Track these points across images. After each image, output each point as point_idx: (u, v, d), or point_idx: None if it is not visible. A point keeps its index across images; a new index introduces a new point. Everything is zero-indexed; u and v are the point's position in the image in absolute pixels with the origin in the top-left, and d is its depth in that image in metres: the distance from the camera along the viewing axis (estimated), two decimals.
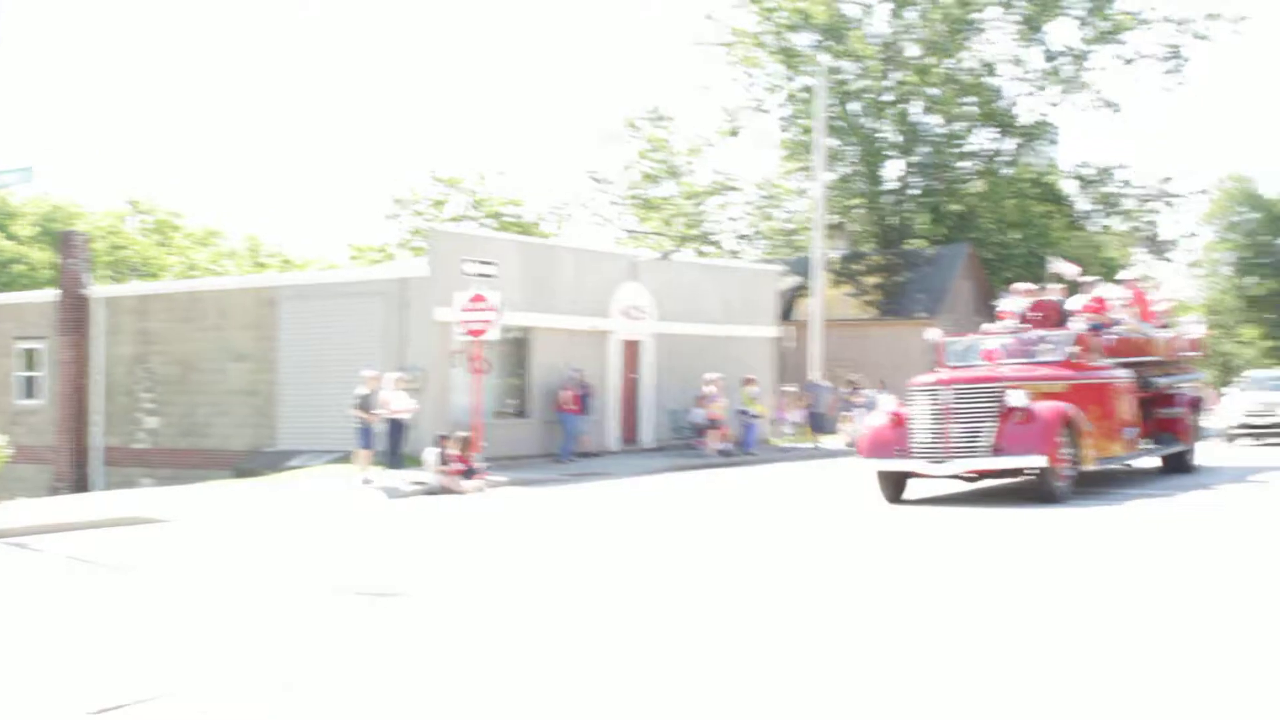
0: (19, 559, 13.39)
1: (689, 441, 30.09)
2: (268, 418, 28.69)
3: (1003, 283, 34.61)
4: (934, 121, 53.18)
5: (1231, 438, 30.94)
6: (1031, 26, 51.04)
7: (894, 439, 17.02)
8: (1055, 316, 19.38)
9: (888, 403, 18.16)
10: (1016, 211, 53.86)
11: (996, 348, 18.18)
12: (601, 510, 17.74)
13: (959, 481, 17.76)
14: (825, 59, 49.10)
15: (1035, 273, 31.90)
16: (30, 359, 33.36)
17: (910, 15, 51.12)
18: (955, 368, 18.05)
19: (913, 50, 51.71)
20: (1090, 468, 17.14)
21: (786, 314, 41.73)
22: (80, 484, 30.76)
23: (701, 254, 52.32)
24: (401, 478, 21.75)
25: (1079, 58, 51.55)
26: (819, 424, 32.96)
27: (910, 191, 53.73)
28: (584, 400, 27.82)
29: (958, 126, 53.11)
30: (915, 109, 52.48)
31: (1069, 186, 56.48)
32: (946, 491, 17.89)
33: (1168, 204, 54.88)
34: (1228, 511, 15.27)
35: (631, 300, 30.83)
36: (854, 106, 51.28)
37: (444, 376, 25.90)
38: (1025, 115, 53.34)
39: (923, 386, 17.10)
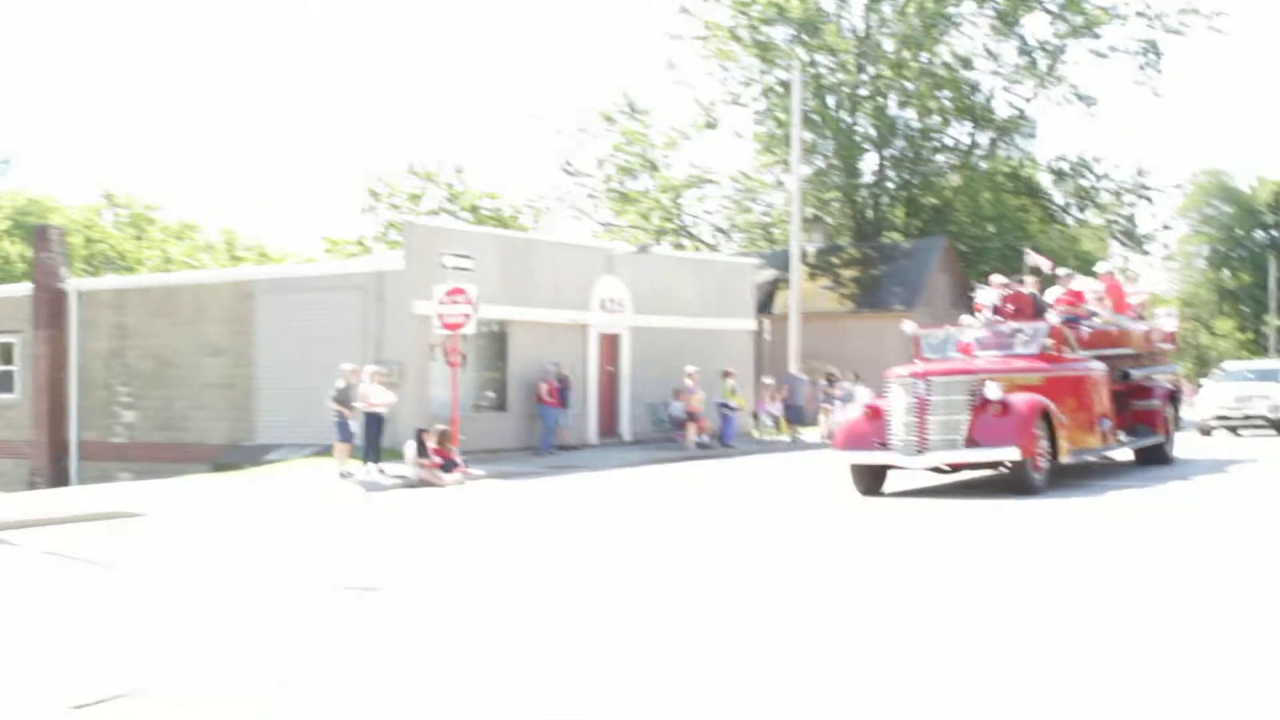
0: None
1: (668, 434, 30.14)
2: (245, 411, 28.62)
3: (979, 276, 34.75)
4: (909, 115, 53.36)
5: (1208, 429, 31.16)
6: (1006, 21, 51.23)
7: (870, 432, 16.99)
8: (1030, 309, 19.45)
9: (863, 395, 18.16)
10: (992, 205, 54.06)
11: (972, 340, 18.22)
12: (580, 503, 17.77)
13: (936, 474, 17.83)
14: (801, 53, 49.22)
15: (1012, 266, 32.04)
16: (6, 353, 33.17)
17: (885, 9, 51.25)
18: (931, 360, 18.00)
19: (888, 44, 51.85)
20: (1066, 460, 17.21)
21: (764, 307, 41.80)
22: (58, 478, 30.64)
23: (679, 247, 52.36)
24: (380, 471, 21.74)
25: (1054, 52, 51.77)
26: (797, 417, 33.03)
27: (886, 185, 53.89)
28: (562, 393, 27.84)
29: (933, 120, 53.29)
30: (891, 103, 52.63)
31: (1045, 180, 56.74)
32: (923, 484, 17.91)
33: (1144, 198, 55.17)
34: (1203, 502, 15.37)
35: (609, 294, 30.85)
36: (830, 100, 51.38)
37: (422, 370, 25.88)
38: (1001, 109, 53.57)
39: (898, 379, 17.07)
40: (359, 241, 58.35)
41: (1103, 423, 18.63)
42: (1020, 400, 16.46)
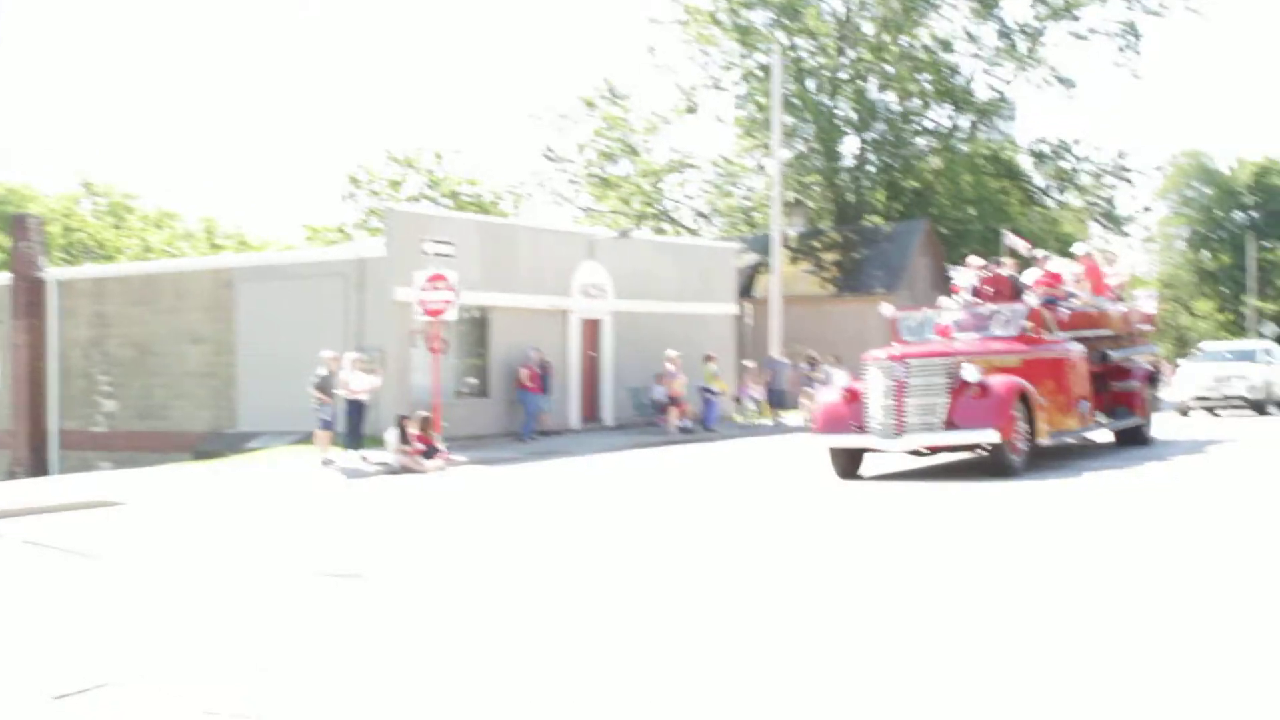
0: None
1: (650, 419, 30.18)
2: (226, 399, 28.58)
3: (960, 259, 34.87)
4: (890, 99, 53.40)
5: (1186, 410, 31.27)
6: (985, 4, 51.27)
7: (848, 415, 16.95)
8: (1009, 291, 19.47)
9: (842, 379, 18.13)
10: (973, 188, 54.13)
11: (950, 323, 18.16)
12: (563, 489, 17.80)
13: (914, 457, 17.84)
14: (781, 36, 49.20)
15: (993, 248, 32.08)
16: None
17: None
18: (909, 343, 17.97)
19: (868, 28, 51.85)
20: (1045, 442, 17.16)
21: (745, 291, 41.85)
22: (38, 468, 30.57)
23: (660, 232, 52.37)
24: (363, 458, 21.74)
25: (1033, 35, 51.83)
26: (779, 400, 33.09)
27: (867, 168, 53.93)
28: (544, 379, 27.86)
29: (914, 103, 53.33)
30: (871, 86, 52.65)
31: (1025, 163, 56.85)
32: (902, 467, 17.94)
33: (1124, 180, 55.31)
34: (1181, 483, 15.37)
35: (590, 279, 30.86)
36: (810, 84, 51.38)
37: (404, 357, 25.87)
38: (981, 92, 53.63)
39: (876, 362, 17.04)
40: (340, 229, 58.26)
41: (1081, 404, 18.61)
42: (998, 382, 16.40)
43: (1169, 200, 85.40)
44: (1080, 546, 10.42)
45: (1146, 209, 62.86)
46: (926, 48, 52.05)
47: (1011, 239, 21.68)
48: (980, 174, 54.85)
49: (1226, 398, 30.96)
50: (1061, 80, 52.61)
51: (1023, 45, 51.98)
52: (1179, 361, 43.14)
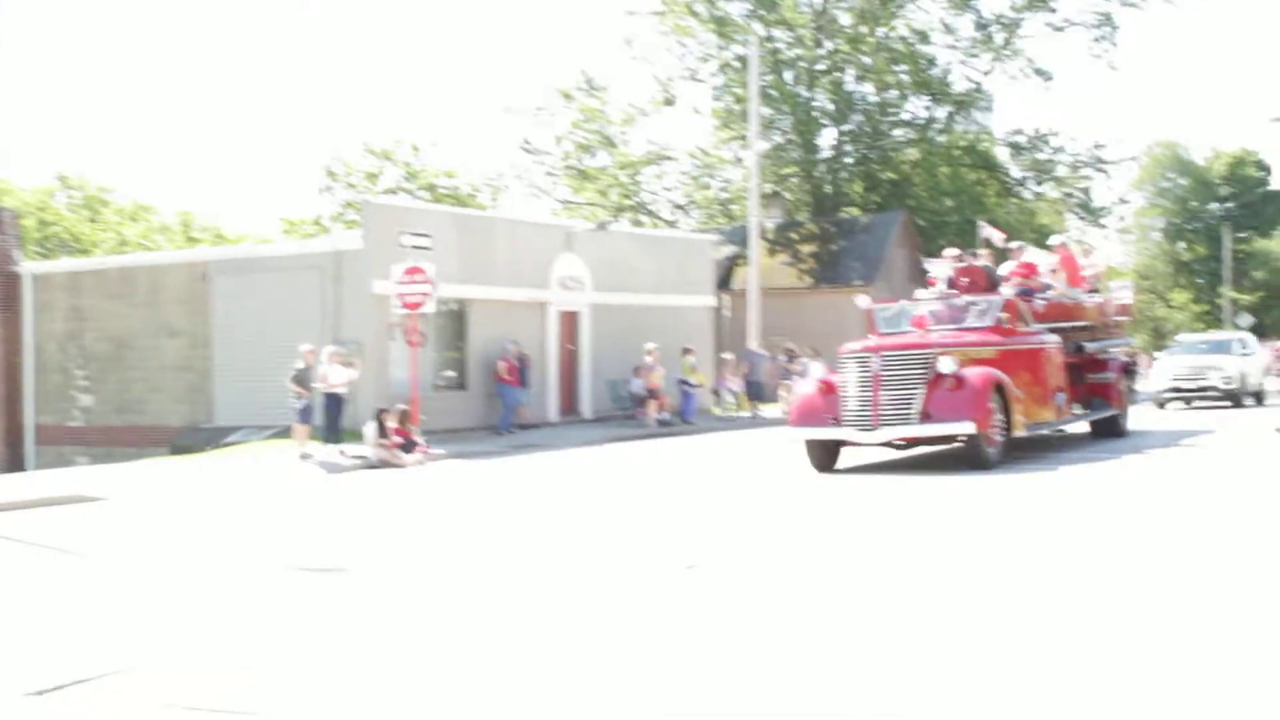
0: None
1: (628, 412, 30.20)
2: (204, 394, 28.50)
3: (938, 250, 35.04)
4: (867, 90, 53.48)
5: (1162, 402, 31.39)
6: None
7: (824, 407, 16.88)
8: (984, 282, 19.48)
9: (818, 371, 18.09)
10: (950, 179, 54.28)
11: (926, 314, 18.07)
12: (541, 482, 17.82)
13: (890, 449, 17.78)
14: (758, 28, 49.21)
15: (970, 240, 32.31)
16: None
17: None
18: (885, 334, 17.95)
19: (845, 19, 51.92)
20: (1021, 434, 17.10)
21: (723, 283, 41.89)
22: (14, 463, 30.42)
23: (637, 224, 52.35)
24: (341, 452, 21.72)
25: (1010, 26, 51.95)
26: (757, 393, 33.14)
27: (845, 160, 54.01)
28: (522, 372, 27.83)
29: (891, 95, 53.42)
30: (848, 78, 52.71)
31: (1002, 154, 57.01)
32: (878, 459, 17.95)
33: (1100, 171, 55.47)
34: (1157, 474, 15.45)
35: (568, 271, 30.85)
36: (787, 76, 51.42)
37: (382, 350, 25.82)
38: (959, 84, 53.74)
39: (852, 354, 16.98)
40: (316, 221, 58.02)
41: (1057, 396, 18.62)
42: (974, 374, 16.35)
43: (1144, 191, 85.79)
44: (1060, 539, 10.47)
45: (1123, 200, 62.91)
46: (903, 39, 52.14)
47: (987, 229, 21.72)
48: (957, 165, 55.00)
49: (1202, 389, 31.05)
50: (1038, 72, 52.77)
51: (999, 37, 52.12)
52: (1157, 354, 43.36)
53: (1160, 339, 74.80)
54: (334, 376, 22.19)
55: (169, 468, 21.46)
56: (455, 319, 28.23)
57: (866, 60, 51.55)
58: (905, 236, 47.19)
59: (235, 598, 9.06)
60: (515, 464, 20.83)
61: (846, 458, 17.50)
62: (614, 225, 36.70)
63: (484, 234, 29.44)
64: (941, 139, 54.62)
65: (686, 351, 30.90)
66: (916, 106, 54.69)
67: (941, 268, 20.39)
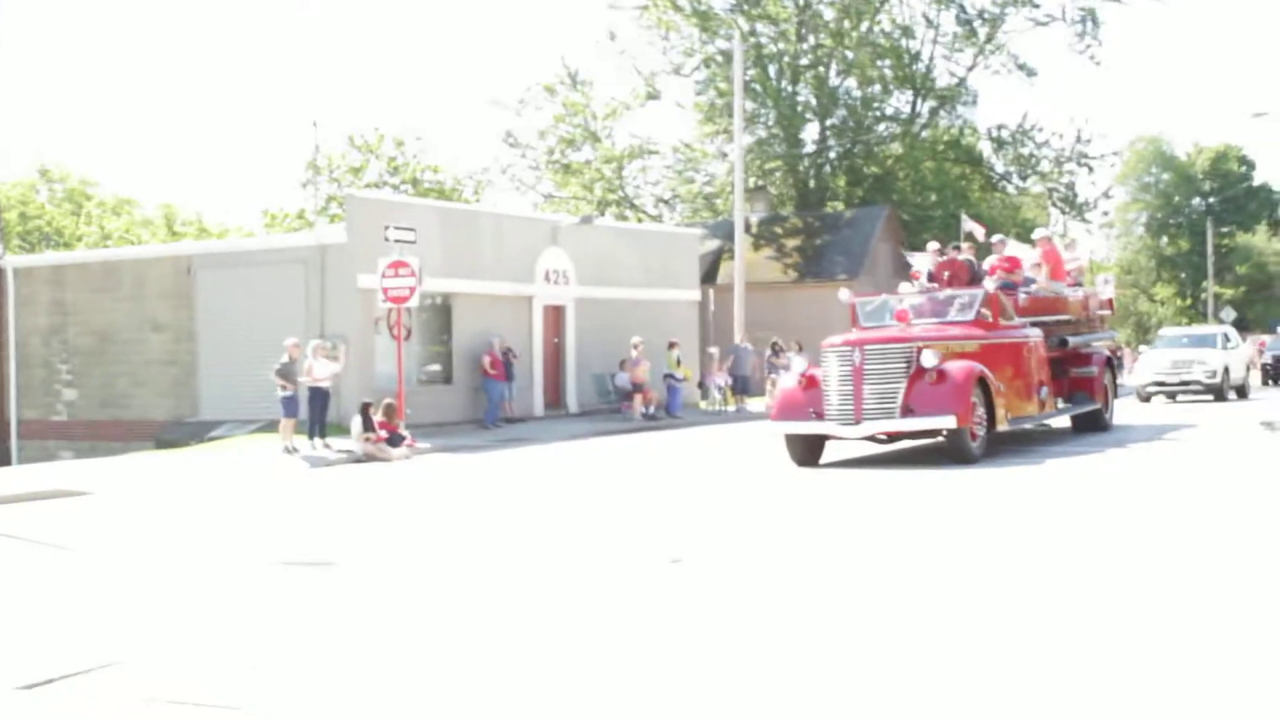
0: None
1: (614, 406, 30.24)
2: (189, 388, 28.47)
3: (921, 245, 35.14)
4: (851, 85, 53.55)
5: (1146, 396, 31.51)
6: None
7: (805, 402, 16.78)
8: (966, 276, 19.49)
9: (800, 365, 18.01)
10: (934, 174, 54.38)
11: (908, 308, 18.05)
12: (527, 476, 17.83)
13: (873, 444, 17.75)
14: (741, 22, 49.23)
15: (954, 234, 32.34)
16: None
17: None
18: (867, 329, 17.88)
19: (828, 13, 51.96)
20: (1004, 428, 17.07)
21: (708, 277, 41.93)
22: None
23: (621, 218, 52.36)
24: (326, 446, 21.73)
25: (993, 20, 52.06)
26: (743, 387, 33.20)
27: (829, 154, 54.08)
28: (507, 366, 27.85)
29: (874, 90, 53.49)
30: (832, 72, 52.77)
31: (986, 149, 57.14)
32: (860, 454, 17.89)
33: (1084, 165, 55.60)
34: (1140, 468, 15.42)
35: (553, 265, 30.88)
36: (771, 70, 51.45)
37: (367, 344, 25.84)
38: (942, 79, 53.86)
39: (834, 348, 16.89)
40: (300, 215, 57.88)
41: (1040, 390, 18.60)
42: (956, 368, 16.33)
43: (1128, 186, 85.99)
44: (1044, 532, 10.49)
45: (1107, 195, 63.05)
46: (887, 34, 52.22)
47: (969, 223, 21.75)
48: (941, 160, 55.11)
49: (1185, 383, 31.18)
50: (1022, 67, 52.93)
51: (982, 31, 52.24)
52: (1141, 349, 43.55)
53: (1144, 333, 75.11)
54: (319, 370, 22.19)
55: (154, 462, 21.44)
56: (440, 313, 28.26)
57: (850, 55, 51.61)
58: (889, 231, 47.25)
59: (221, 592, 9.06)
60: (501, 458, 20.84)
61: (829, 452, 17.43)
62: (598, 219, 36.75)
63: (468, 228, 29.45)
64: (925, 134, 54.70)
65: (672, 345, 30.96)
66: (900, 101, 54.85)
67: (923, 261, 20.37)
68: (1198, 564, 8.75)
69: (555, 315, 31.18)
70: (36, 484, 17.84)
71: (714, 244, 44.89)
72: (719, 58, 50.39)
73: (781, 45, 51.69)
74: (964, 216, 22.57)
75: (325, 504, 15.37)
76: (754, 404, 32.01)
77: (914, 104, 54.56)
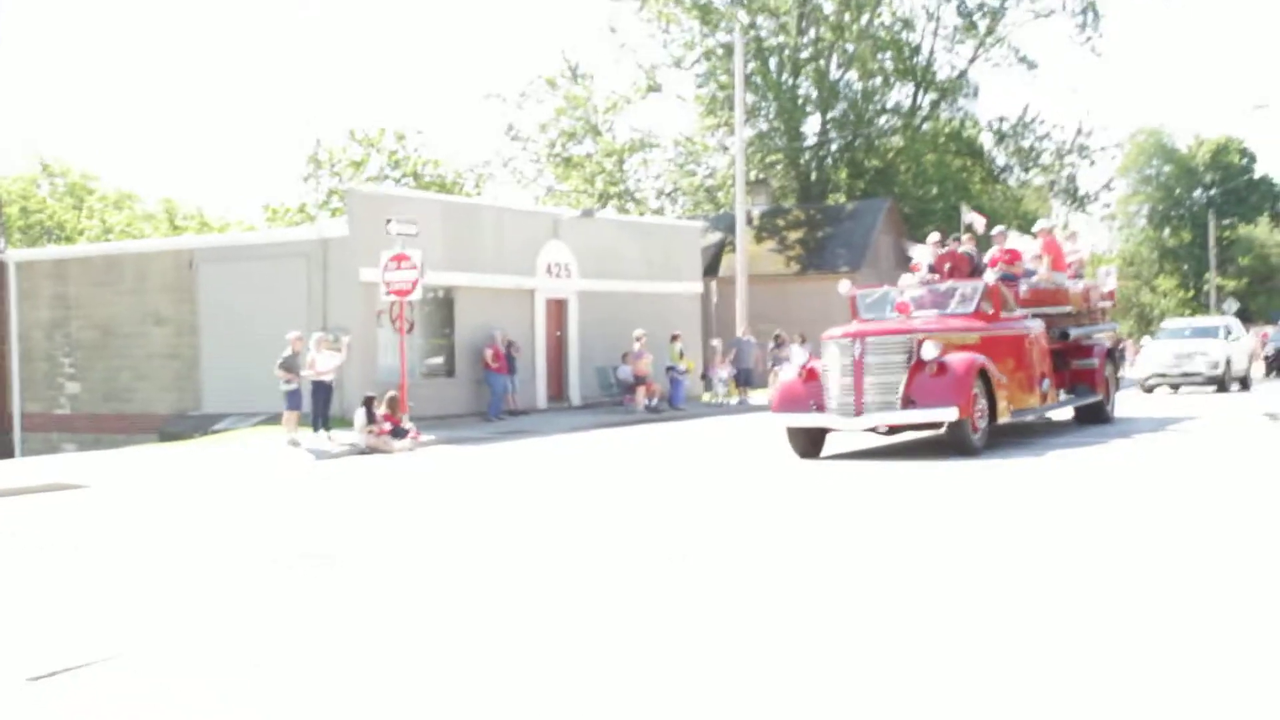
0: None
1: (617, 398, 30.27)
2: (191, 381, 28.52)
3: (922, 237, 35.18)
4: (852, 77, 53.55)
5: (1149, 387, 31.51)
6: None
7: (806, 394, 16.73)
8: (966, 268, 19.46)
9: (801, 357, 17.96)
10: (935, 166, 54.39)
11: (909, 300, 17.95)
12: (530, 468, 17.85)
13: (874, 436, 17.74)
14: (742, 15, 49.21)
15: (955, 226, 32.38)
16: None
17: None
18: (868, 320, 17.85)
19: (829, 6, 51.97)
20: (1005, 420, 17.04)
21: (710, 270, 41.97)
22: (1, 451, 30.43)
23: (623, 211, 52.37)
24: (329, 438, 21.76)
25: (993, 13, 52.06)
26: (746, 379, 33.25)
27: (830, 147, 54.08)
28: (509, 359, 27.90)
29: (875, 82, 53.49)
30: (832, 65, 52.76)
31: (987, 141, 57.16)
32: (861, 446, 17.89)
33: (1085, 157, 55.60)
34: (1142, 460, 15.37)
35: (555, 258, 30.90)
36: (771, 63, 51.45)
37: (370, 337, 25.87)
38: (943, 71, 53.89)
39: (834, 340, 16.84)
40: (301, 209, 57.88)
41: (1042, 382, 18.56)
42: (957, 360, 16.26)
43: (1129, 178, 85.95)
44: (1047, 524, 10.48)
45: (1109, 187, 63.05)
46: (887, 26, 52.21)
47: (969, 215, 21.70)
48: (942, 152, 55.11)
49: (1187, 375, 31.21)
50: (1022, 60, 52.95)
51: (982, 24, 52.23)
52: (1143, 340, 43.55)
53: (1146, 325, 75.06)
54: (322, 363, 22.23)
55: (157, 455, 21.47)
56: (442, 306, 28.29)
57: (850, 47, 51.61)
58: (891, 223, 47.29)
59: (223, 585, 9.06)
60: (504, 450, 20.87)
61: (831, 444, 17.42)
62: (600, 212, 36.78)
63: (470, 221, 29.48)
64: (926, 127, 54.69)
65: (674, 338, 30.99)
66: (901, 94, 54.86)
67: (924, 253, 20.35)
68: (1201, 556, 8.76)
69: (557, 308, 31.21)
70: (39, 476, 17.89)
71: (716, 237, 44.92)
72: (720, 51, 50.39)
73: (782, 38, 51.68)
74: (965, 208, 22.49)
75: (329, 497, 15.37)
76: (757, 396, 32.04)
77: (915, 97, 54.57)
